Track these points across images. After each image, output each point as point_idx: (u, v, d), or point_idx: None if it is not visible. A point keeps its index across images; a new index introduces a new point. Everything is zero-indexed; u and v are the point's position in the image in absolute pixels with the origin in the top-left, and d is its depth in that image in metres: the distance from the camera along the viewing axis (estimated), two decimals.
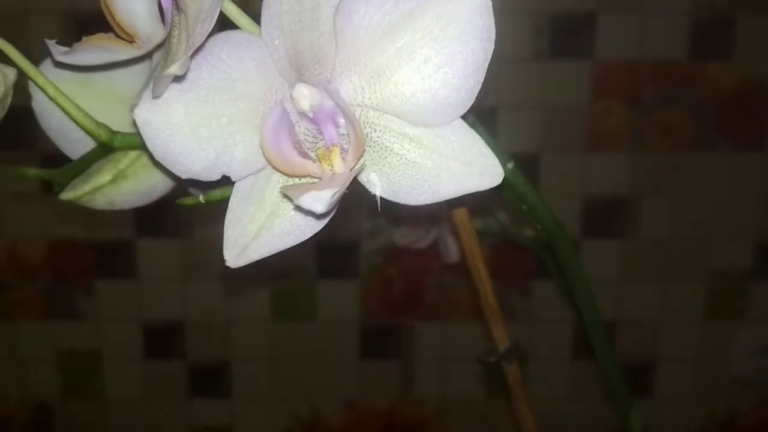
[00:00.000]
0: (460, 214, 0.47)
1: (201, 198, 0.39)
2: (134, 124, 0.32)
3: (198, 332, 1.31)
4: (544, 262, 0.70)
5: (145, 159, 0.40)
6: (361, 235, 1.24)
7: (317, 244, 1.27)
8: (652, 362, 1.32)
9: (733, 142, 1.22)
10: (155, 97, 0.32)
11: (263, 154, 0.33)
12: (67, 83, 0.38)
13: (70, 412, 1.33)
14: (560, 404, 1.33)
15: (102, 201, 0.40)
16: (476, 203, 0.74)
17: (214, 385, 1.33)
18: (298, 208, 0.34)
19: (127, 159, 0.39)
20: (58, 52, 0.35)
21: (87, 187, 0.39)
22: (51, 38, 0.36)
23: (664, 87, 1.21)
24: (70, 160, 0.40)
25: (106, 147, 0.37)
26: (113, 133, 0.37)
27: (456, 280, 1.27)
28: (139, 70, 0.40)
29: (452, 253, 0.69)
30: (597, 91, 1.21)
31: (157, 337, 1.31)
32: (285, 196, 0.34)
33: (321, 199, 0.30)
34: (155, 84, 0.31)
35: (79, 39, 0.36)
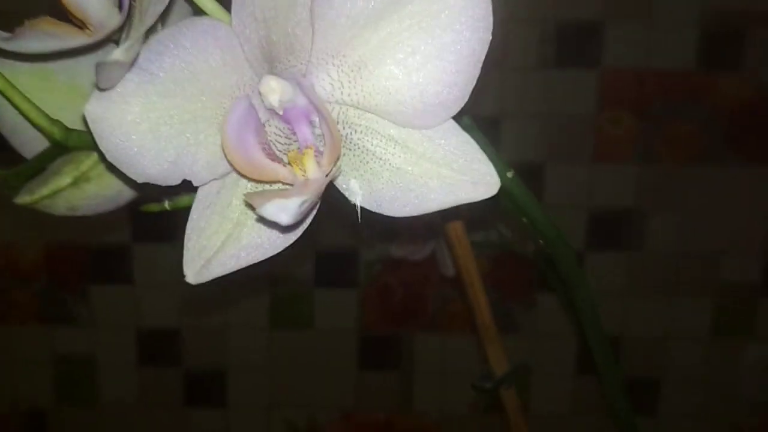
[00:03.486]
0: (455, 228, 0.43)
1: (166, 204, 0.35)
2: (85, 121, 0.29)
3: (194, 339, 1.29)
4: (546, 275, 0.68)
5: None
6: (361, 243, 1.22)
7: (316, 252, 1.25)
8: (657, 379, 1.29)
9: (742, 155, 1.19)
10: (102, 89, 0.28)
11: (225, 155, 0.30)
12: (25, 76, 0.34)
13: (64, 418, 1.31)
14: (563, 420, 1.30)
15: (63, 206, 0.37)
16: (475, 214, 0.72)
17: (209, 394, 1.31)
18: (263, 219, 0.30)
19: (89, 160, 0.36)
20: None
21: (45, 191, 0.36)
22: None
23: (672, 98, 1.18)
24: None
25: (60, 146, 0.33)
26: (68, 130, 0.33)
27: (457, 291, 1.25)
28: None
29: (449, 267, 0.67)
30: (604, 101, 1.19)
31: (152, 343, 1.29)
32: (247, 204, 0.30)
33: (287, 209, 0.26)
34: (99, 74, 0.27)
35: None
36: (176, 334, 1.28)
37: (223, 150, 0.30)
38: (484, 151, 0.30)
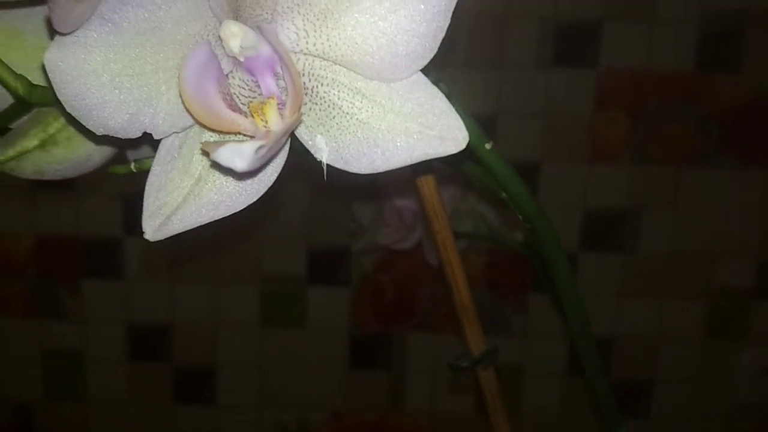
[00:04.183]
0: (427, 183, 0.41)
1: (132, 166, 0.34)
2: (44, 70, 0.28)
3: (184, 336, 1.28)
4: (535, 267, 0.67)
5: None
6: (352, 240, 1.22)
7: (308, 250, 1.24)
8: (649, 381, 1.28)
9: (738, 157, 1.19)
10: (62, 33, 0.27)
11: (184, 102, 0.28)
12: None
13: (52, 413, 1.30)
14: (554, 421, 1.29)
15: (30, 169, 0.35)
16: (466, 205, 0.71)
17: (199, 391, 1.30)
18: (218, 167, 0.29)
19: (57, 123, 0.35)
20: None
21: (11, 152, 0.35)
22: None
23: (669, 99, 1.18)
24: None
25: (24, 102, 0.32)
26: (32, 86, 0.32)
27: (450, 289, 1.24)
28: None
29: (435, 255, 0.66)
30: (600, 101, 1.18)
31: (142, 339, 1.28)
32: (203, 152, 0.29)
33: (242, 154, 0.25)
34: (53, 11, 0.26)
35: None
36: (167, 330, 1.27)
37: (181, 97, 0.29)
38: (455, 108, 0.30)
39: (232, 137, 0.30)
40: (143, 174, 0.32)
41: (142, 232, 0.30)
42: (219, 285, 1.25)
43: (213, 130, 0.30)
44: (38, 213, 1.23)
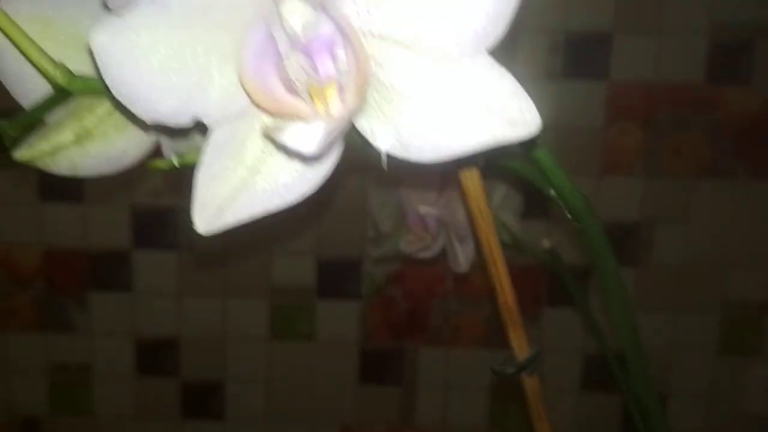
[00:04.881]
0: (472, 178, 0.40)
1: (174, 161, 0.33)
2: (90, 53, 0.26)
3: (192, 349, 1.26)
4: (560, 276, 0.66)
5: (114, 118, 0.34)
6: (364, 253, 1.21)
7: (318, 262, 1.23)
8: (662, 396, 1.27)
9: (750, 168, 1.18)
10: (115, 8, 0.26)
11: (243, 85, 0.27)
12: (26, 23, 0.31)
13: (59, 427, 1.29)
14: None
15: (64, 165, 0.34)
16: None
17: (207, 406, 1.28)
18: (282, 151, 0.28)
19: (93, 116, 0.34)
20: None
21: (46, 146, 0.34)
22: None
23: (681, 110, 1.17)
24: None
25: (64, 92, 0.31)
26: (72, 75, 0.31)
27: (462, 303, 1.23)
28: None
29: (461, 262, 0.64)
30: (611, 113, 1.18)
31: (150, 353, 1.26)
32: (266, 136, 0.28)
33: (310, 136, 0.24)
34: None
35: None
36: (174, 343, 1.26)
37: (241, 80, 0.27)
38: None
39: (289, 123, 0.28)
40: (153, 184, 0.31)
41: (192, 225, 0.29)
42: (228, 298, 1.24)
43: (274, 116, 0.28)
44: (46, 225, 1.22)
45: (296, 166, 0.29)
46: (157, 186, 1.19)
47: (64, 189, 1.20)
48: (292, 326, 1.26)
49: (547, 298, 1.22)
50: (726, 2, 1.14)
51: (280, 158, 0.29)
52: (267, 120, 0.29)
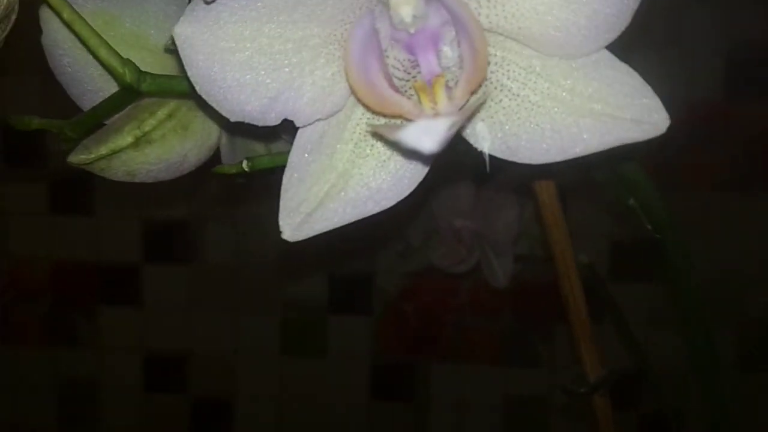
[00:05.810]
0: (548, 188, 0.38)
1: (244, 165, 0.31)
2: (173, 46, 0.25)
3: (202, 365, 1.25)
4: (597, 292, 0.65)
5: (175, 122, 0.32)
6: (377, 268, 1.20)
7: (329, 277, 1.22)
8: (679, 415, 1.25)
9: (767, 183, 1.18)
10: (207, 2, 0.24)
11: (348, 80, 0.25)
12: (88, 18, 0.29)
13: None
14: None
15: (121, 170, 0.32)
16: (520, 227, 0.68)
17: (216, 423, 1.26)
18: (374, 157, 0.26)
19: (153, 119, 0.32)
20: None
21: (103, 149, 0.32)
22: None
23: (697, 126, 1.17)
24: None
25: (132, 91, 0.29)
26: (141, 73, 0.29)
27: (475, 318, 1.22)
28: (175, 13, 0.32)
29: (499, 277, 0.63)
30: None
31: (159, 368, 1.25)
32: (374, 134, 0.26)
33: (432, 132, 0.22)
34: None
35: None
36: (184, 359, 1.24)
37: (347, 74, 0.26)
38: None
39: (392, 121, 0.27)
40: (164, 198, 0.29)
41: (280, 232, 0.27)
42: (238, 313, 1.23)
43: (376, 113, 0.27)
44: (56, 238, 1.21)
45: (390, 168, 0.27)
46: (169, 199, 1.18)
47: (75, 202, 1.19)
48: (304, 342, 1.24)
49: (562, 315, 1.21)
50: (742, 20, 1.14)
51: (373, 161, 0.27)
52: (369, 119, 0.27)
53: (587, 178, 0.35)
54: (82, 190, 1.19)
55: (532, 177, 0.38)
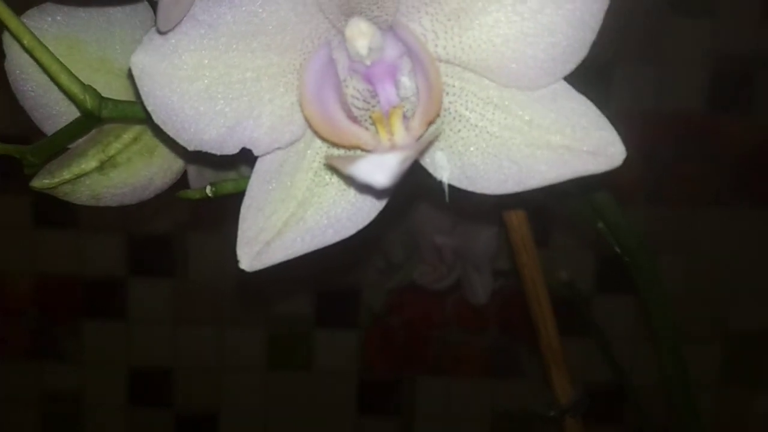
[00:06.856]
0: (517, 213, 0.38)
1: (208, 190, 0.31)
2: (130, 76, 0.25)
3: (187, 379, 1.24)
4: (578, 310, 0.65)
5: (141, 145, 0.32)
6: (363, 282, 1.19)
7: (317, 291, 1.21)
8: (665, 428, 1.25)
9: (751, 198, 1.18)
10: (163, 32, 0.24)
11: (303, 111, 0.25)
12: (51, 43, 0.30)
13: None
14: None
15: (85, 193, 0.32)
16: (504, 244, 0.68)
17: None
18: (334, 186, 0.26)
19: (118, 143, 0.32)
20: None
21: (67, 174, 0.31)
22: None
23: (682, 140, 1.17)
24: None
25: (92, 117, 0.29)
26: (102, 99, 0.29)
27: (461, 333, 1.22)
28: (141, 38, 0.32)
29: (479, 294, 0.63)
30: None
31: (143, 382, 1.24)
32: (329, 166, 0.26)
33: (384, 167, 0.22)
34: (158, 11, 0.23)
35: None
36: (169, 373, 1.24)
37: (301, 106, 0.26)
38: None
39: (348, 152, 0.27)
40: (149, 212, 0.29)
41: (237, 261, 0.27)
42: (224, 327, 1.22)
43: (332, 144, 0.26)
44: (39, 252, 1.20)
45: (350, 197, 0.27)
46: (153, 213, 1.17)
47: (59, 215, 1.18)
48: (290, 356, 1.24)
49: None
50: (726, 33, 1.15)
51: (333, 190, 0.27)
52: (327, 149, 0.27)
53: (560, 202, 0.35)
54: (66, 203, 1.18)
55: (503, 205, 0.38)
